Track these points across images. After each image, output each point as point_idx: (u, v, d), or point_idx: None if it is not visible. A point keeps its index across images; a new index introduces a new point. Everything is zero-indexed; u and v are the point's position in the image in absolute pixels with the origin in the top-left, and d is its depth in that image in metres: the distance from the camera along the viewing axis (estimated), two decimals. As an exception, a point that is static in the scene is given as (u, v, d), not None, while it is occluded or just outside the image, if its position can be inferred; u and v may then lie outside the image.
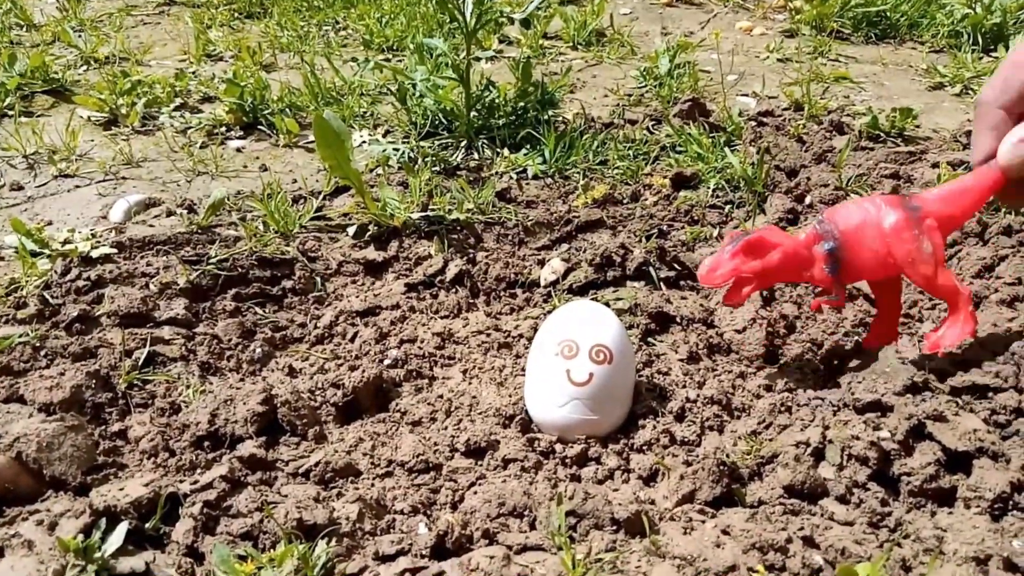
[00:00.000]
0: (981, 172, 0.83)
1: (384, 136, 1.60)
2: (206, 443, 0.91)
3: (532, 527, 0.77)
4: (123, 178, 1.49)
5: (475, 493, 0.81)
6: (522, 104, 1.54)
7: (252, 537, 0.78)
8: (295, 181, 1.46)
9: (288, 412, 0.93)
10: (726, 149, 1.41)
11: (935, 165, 1.42)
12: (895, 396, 0.85)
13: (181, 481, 0.85)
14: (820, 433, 0.82)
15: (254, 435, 0.91)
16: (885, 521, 0.75)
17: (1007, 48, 1.99)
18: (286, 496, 0.84)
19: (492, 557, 0.71)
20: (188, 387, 0.98)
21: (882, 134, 1.56)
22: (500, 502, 0.79)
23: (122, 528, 0.76)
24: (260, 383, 0.97)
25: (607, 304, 1.09)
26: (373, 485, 0.86)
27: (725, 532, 0.72)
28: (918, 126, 1.62)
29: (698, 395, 0.93)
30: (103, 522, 0.76)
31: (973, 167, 0.85)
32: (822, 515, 0.76)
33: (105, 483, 0.85)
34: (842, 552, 0.70)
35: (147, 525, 0.79)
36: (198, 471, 0.87)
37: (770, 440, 0.85)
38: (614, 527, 0.76)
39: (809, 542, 0.71)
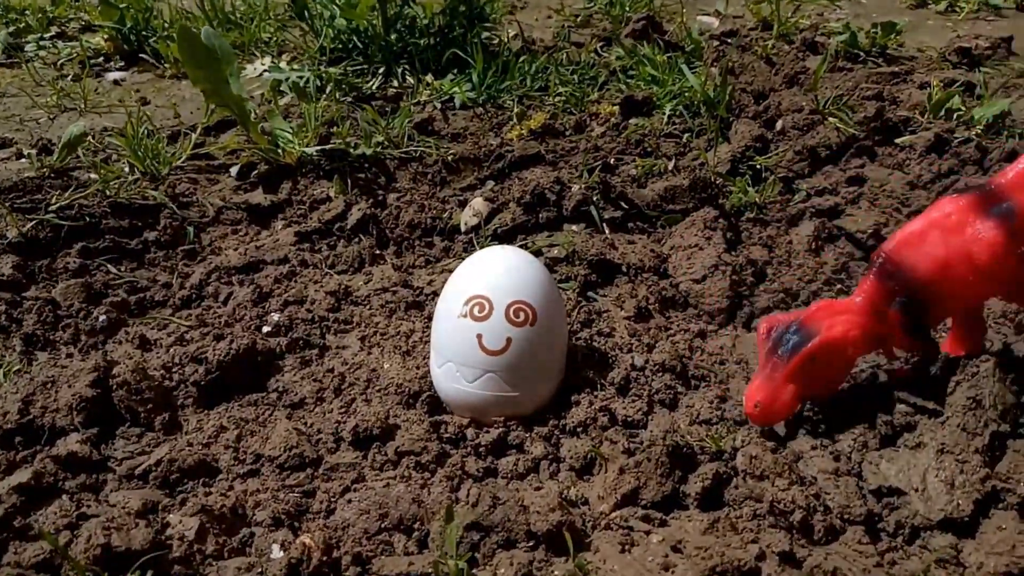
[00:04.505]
0: None
1: (290, 63, 1.37)
2: (17, 439, 0.71)
3: (423, 546, 0.58)
4: (-29, 116, 1.25)
5: (349, 502, 0.61)
6: (449, 22, 1.32)
7: (53, 568, 0.59)
8: (178, 116, 1.23)
9: (127, 396, 0.73)
10: (684, 68, 1.21)
11: (923, 86, 1.23)
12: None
13: (-27, 492, 0.65)
14: (799, 408, 0.64)
15: (80, 427, 0.71)
16: (883, 522, 0.57)
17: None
18: (113, 506, 0.64)
19: (360, 594, 0.53)
20: (1, 367, 0.77)
21: (861, 53, 1.37)
22: (381, 512, 0.60)
23: None
24: (93, 359, 0.76)
25: (538, 252, 0.90)
26: (231, 488, 0.67)
27: (676, 548, 0.54)
28: (901, 45, 1.43)
29: (647, 361, 0.75)
30: None
31: None
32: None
33: None
34: (832, 573, 0.52)
35: (-92, 558, 0.59)
36: (-4, 478, 0.66)
37: (736, 416, 0.67)
38: (531, 543, 0.57)
39: (788, 560, 0.53)
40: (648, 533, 0.57)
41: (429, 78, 1.28)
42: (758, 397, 0.62)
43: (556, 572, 0.54)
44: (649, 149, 1.11)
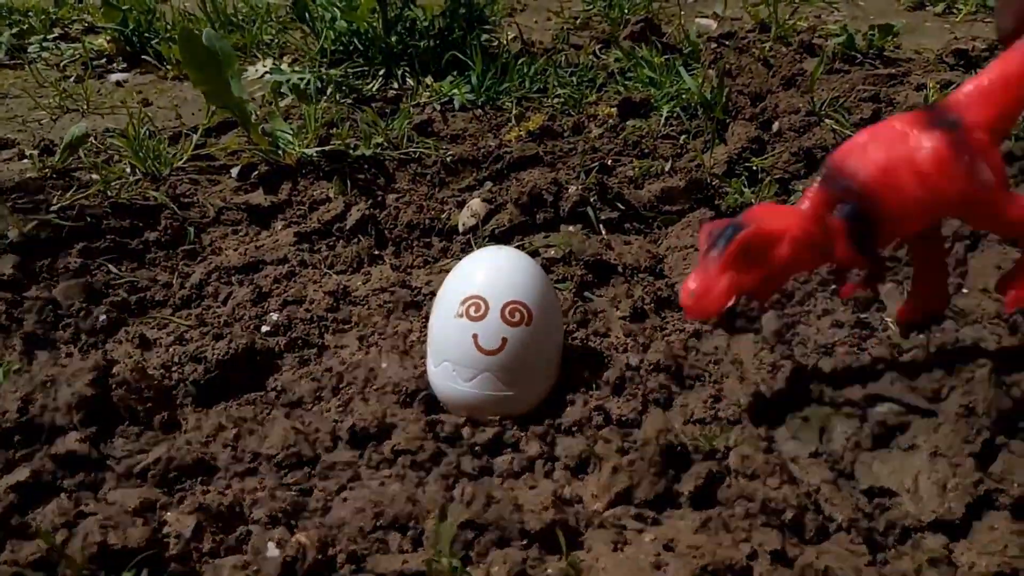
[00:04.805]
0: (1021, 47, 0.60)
1: (290, 65, 1.38)
2: (16, 438, 0.71)
3: (418, 544, 0.59)
4: (-26, 117, 1.26)
5: (344, 500, 0.62)
6: (449, 24, 1.33)
7: (50, 566, 0.59)
8: (179, 117, 1.23)
9: (126, 395, 0.74)
10: (682, 70, 1.21)
11: (920, 87, 1.24)
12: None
13: (-27, 491, 0.65)
14: (793, 408, 0.64)
15: (79, 425, 0.72)
16: (875, 522, 0.58)
17: (993, -34, 1.80)
18: (112, 504, 0.65)
19: (354, 592, 0.53)
20: (1, 366, 0.78)
21: (859, 55, 1.37)
22: (376, 512, 0.60)
23: None
24: (93, 358, 0.76)
25: (535, 252, 0.90)
26: (229, 487, 0.67)
27: (668, 547, 0.54)
28: (898, 47, 1.43)
29: (642, 361, 0.75)
30: None
31: (1003, 44, 0.63)
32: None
33: None
34: (824, 573, 0.52)
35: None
36: (-5, 476, 0.67)
37: (730, 416, 0.68)
38: (524, 541, 0.57)
39: (780, 559, 0.54)
40: (641, 532, 0.57)
41: (429, 80, 1.29)
42: (692, 286, 0.61)
43: (549, 570, 0.54)
44: (646, 150, 1.11)
